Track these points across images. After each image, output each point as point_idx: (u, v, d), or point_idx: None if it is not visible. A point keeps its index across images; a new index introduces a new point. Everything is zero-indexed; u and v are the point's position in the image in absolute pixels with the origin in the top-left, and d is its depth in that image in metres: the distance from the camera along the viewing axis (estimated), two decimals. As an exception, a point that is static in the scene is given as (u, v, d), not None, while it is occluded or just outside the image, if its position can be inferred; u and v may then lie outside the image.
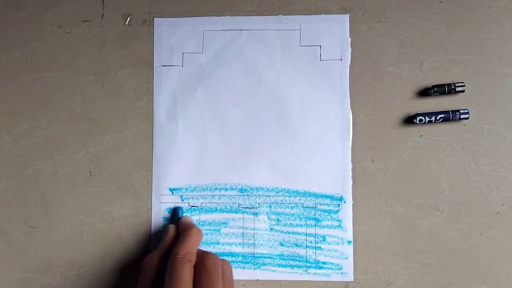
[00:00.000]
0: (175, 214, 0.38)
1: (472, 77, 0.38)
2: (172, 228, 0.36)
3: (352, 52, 0.39)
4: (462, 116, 0.37)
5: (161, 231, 0.38)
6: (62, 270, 0.39)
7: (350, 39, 0.39)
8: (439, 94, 0.38)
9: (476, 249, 0.38)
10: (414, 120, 0.37)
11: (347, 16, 0.39)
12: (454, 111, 0.37)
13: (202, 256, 0.33)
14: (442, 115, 0.37)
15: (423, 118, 0.37)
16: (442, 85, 0.37)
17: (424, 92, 0.38)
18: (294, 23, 0.39)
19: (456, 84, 0.37)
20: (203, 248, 0.38)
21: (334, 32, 0.39)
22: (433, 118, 0.37)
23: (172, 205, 0.39)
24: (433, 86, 0.38)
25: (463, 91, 0.37)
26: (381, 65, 0.39)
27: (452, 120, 0.37)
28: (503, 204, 0.38)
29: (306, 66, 0.39)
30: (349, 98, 0.39)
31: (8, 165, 0.39)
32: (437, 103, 0.38)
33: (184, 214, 0.38)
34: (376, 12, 0.39)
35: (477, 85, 0.38)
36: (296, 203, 0.38)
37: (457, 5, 0.39)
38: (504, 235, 0.38)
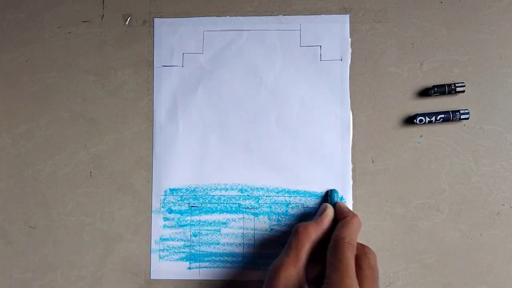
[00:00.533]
0: (329, 197, 0.38)
1: (472, 77, 0.38)
2: (330, 209, 0.36)
3: (352, 53, 0.39)
4: (462, 117, 0.37)
5: (161, 230, 0.38)
6: (62, 270, 0.39)
7: (350, 39, 0.39)
8: (439, 95, 0.38)
9: (477, 249, 0.38)
10: (414, 120, 0.37)
11: (347, 17, 0.39)
12: (454, 111, 0.37)
13: (364, 249, 0.33)
14: (442, 115, 0.37)
15: (423, 118, 0.37)
16: (442, 85, 0.37)
17: (424, 92, 0.38)
18: (294, 24, 0.39)
19: (456, 84, 0.37)
20: (204, 247, 0.38)
21: (334, 32, 0.39)
22: (433, 118, 0.37)
23: (172, 205, 0.39)
24: (433, 86, 0.38)
25: (463, 91, 0.37)
26: (381, 66, 0.39)
27: (452, 120, 0.37)
28: (503, 205, 0.38)
29: (306, 67, 0.39)
30: (349, 98, 0.39)
31: (8, 165, 0.39)
32: (437, 103, 0.38)
33: (341, 200, 0.37)
34: (376, 12, 0.39)
35: (477, 85, 0.38)
36: (296, 203, 0.38)
37: (457, 5, 0.39)
38: (504, 235, 0.38)
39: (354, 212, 0.38)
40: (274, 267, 0.33)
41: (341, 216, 0.35)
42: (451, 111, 0.37)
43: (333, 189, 0.38)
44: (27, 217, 0.39)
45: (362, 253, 0.33)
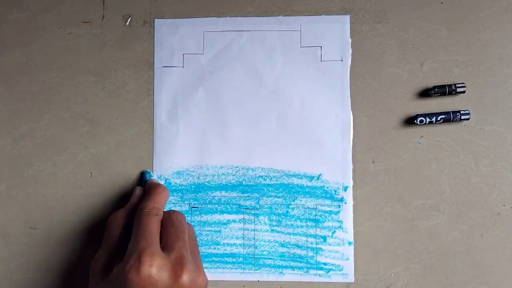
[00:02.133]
0: (142, 178, 0.38)
1: (473, 78, 0.38)
2: (138, 189, 0.37)
3: (352, 53, 0.39)
4: (463, 117, 0.37)
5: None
6: (62, 271, 0.39)
7: (350, 40, 0.39)
8: (440, 95, 0.38)
9: (477, 250, 0.38)
10: (415, 121, 0.37)
11: (347, 17, 0.39)
12: (454, 112, 0.37)
13: (169, 212, 0.34)
14: (443, 116, 0.37)
15: (423, 119, 0.37)
16: (443, 86, 0.37)
17: (425, 93, 0.38)
18: (295, 24, 0.39)
19: (457, 85, 0.37)
20: (204, 248, 0.38)
21: (334, 33, 0.39)
22: (433, 119, 0.37)
23: (172, 206, 0.39)
24: (434, 87, 0.38)
25: (463, 92, 0.37)
26: (381, 66, 0.39)
27: (453, 121, 0.37)
28: (504, 205, 0.38)
29: (306, 67, 0.39)
30: (349, 99, 0.39)
31: (8, 166, 0.39)
32: (437, 103, 0.38)
33: (151, 178, 0.38)
34: (376, 13, 0.39)
35: (477, 86, 0.38)
36: (297, 204, 0.38)
37: (458, 6, 0.39)
38: (505, 236, 0.38)
39: (354, 213, 0.38)
40: (92, 262, 0.34)
41: (148, 191, 0.36)
42: (451, 111, 0.37)
43: (146, 170, 0.38)
44: (27, 218, 0.39)
45: (167, 216, 0.34)
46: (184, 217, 0.35)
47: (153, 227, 0.32)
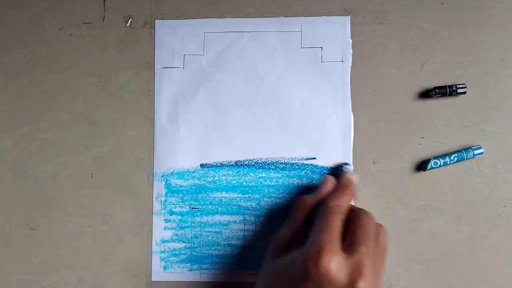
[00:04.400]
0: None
1: (474, 78, 0.38)
2: (331, 179, 0.36)
3: (353, 54, 0.39)
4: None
5: (162, 232, 0.38)
6: (63, 272, 0.39)
7: (351, 40, 0.39)
8: (441, 96, 0.38)
9: (478, 251, 0.38)
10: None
11: (348, 18, 0.39)
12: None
13: (357, 212, 0.32)
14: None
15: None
16: (444, 87, 0.37)
17: (426, 94, 0.38)
18: (295, 25, 0.39)
19: (458, 86, 0.37)
20: (205, 249, 0.38)
21: (335, 34, 0.39)
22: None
23: (172, 207, 0.39)
24: (435, 88, 0.38)
25: (464, 92, 0.37)
26: (382, 67, 0.39)
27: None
28: (504, 206, 0.38)
29: (307, 68, 0.39)
30: (350, 100, 0.39)
31: (9, 167, 0.39)
32: (438, 104, 0.38)
33: (350, 170, 0.37)
34: (377, 13, 0.39)
35: (478, 86, 0.38)
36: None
37: (458, 7, 0.39)
38: (506, 237, 0.37)
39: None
40: (274, 238, 0.34)
41: (340, 186, 0.35)
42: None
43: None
44: (28, 219, 0.39)
45: (354, 215, 0.32)
46: (373, 220, 0.32)
47: (337, 225, 0.31)
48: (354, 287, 0.28)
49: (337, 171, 0.38)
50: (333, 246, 0.29)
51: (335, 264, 0.28)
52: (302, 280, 0.29)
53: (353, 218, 0.32)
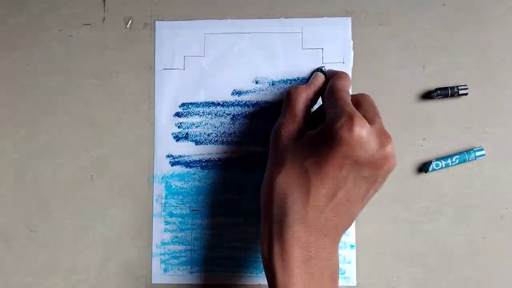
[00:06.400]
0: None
1: (475, 80, 0.38)
2: (321, 75, 0.36)
3: (354, 55, 0.39)
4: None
5: (162, 234, 0.38)
6: (63, 274, 0.39)
7: (352, 42, 0.39)
8: (442, 97, 0.38)
9: (480, 253, 0.37)
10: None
11: (349, 19, 0.39)
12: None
13: (358, 95, 0.34)
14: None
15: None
16: (445, 88, 0.37)
17: (427, 95, 0.38)
18: (296, 26, 0.39)
19: (459, 87, 0.37)
20: (205, 252, 0.38)
21: (336, 35, 0.39)
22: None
23: (173, 209, 0.38)
24: (436, 89, 0.37)
25: (466, 94, 0.37)
26: (383, 68, 0.38)
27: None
28: (506, 208, 0.38)
29: (308, 69, 0.39)
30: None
31: (9, 169, 0.39)
32: (440, 106, 0.38)
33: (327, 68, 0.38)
34: (378, 15, 0.39)
35: (480, 88, 0.38)
36: (298, 207, 0.38)
37: (460, 8, 0.39)
38: (508, 239, 0.37)
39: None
40: (275, 129, 0.34)
41: (336, 75, 0.35)
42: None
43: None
44: (27, 221, 0.39)
45: (358, 96, 0.34)
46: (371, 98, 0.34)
47: (350, 101, 0.32)
48: (384, 150, 0.30)
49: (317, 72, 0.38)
50: (359, 116, 0.30)
51: (366, 129, 0.30)
52: (336, 146, 0.29)
53: (357, 100, 0.33)
